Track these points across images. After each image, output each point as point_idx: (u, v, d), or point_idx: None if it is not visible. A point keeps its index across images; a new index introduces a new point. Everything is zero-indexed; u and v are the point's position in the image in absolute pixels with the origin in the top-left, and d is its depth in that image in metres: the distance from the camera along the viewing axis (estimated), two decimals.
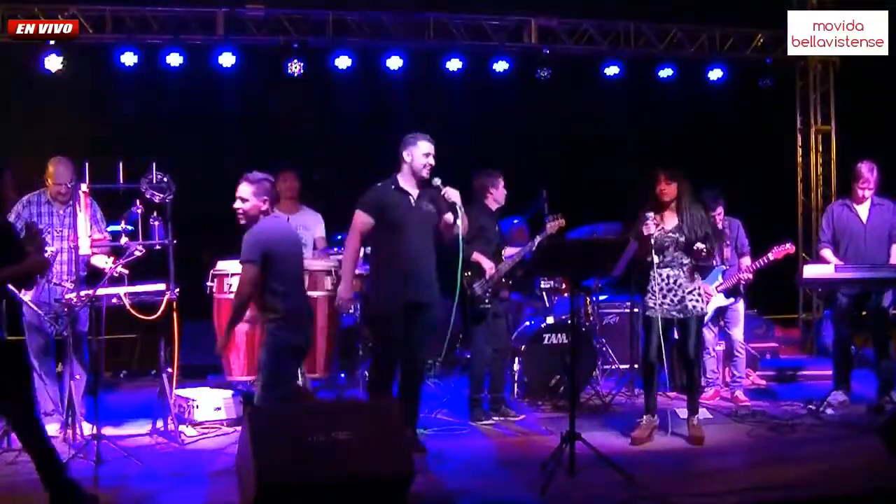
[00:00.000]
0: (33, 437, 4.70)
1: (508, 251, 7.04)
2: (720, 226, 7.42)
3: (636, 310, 7.25)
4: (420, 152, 5.86)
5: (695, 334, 6.18)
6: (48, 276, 6.04)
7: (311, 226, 7.34)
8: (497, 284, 6.86)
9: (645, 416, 6.21)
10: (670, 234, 6.12)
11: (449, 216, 5.85)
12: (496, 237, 7.02)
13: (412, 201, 5.90)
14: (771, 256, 7.30)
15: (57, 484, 4.68)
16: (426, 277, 5.90)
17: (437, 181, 5.84)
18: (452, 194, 5.76)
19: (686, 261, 6.15)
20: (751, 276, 7.38)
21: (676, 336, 6.30)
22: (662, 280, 6.10)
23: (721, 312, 7.52)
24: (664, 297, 6.08)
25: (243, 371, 6.59)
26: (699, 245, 6.06)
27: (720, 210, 7.42)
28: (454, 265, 6.49)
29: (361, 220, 5.88)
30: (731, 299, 7.44)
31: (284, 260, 5.29)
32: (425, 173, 5.86)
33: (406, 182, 5.93)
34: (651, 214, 6.01)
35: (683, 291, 6.10)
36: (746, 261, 7.47)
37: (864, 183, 7.08)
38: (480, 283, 6.79)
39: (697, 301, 6.15)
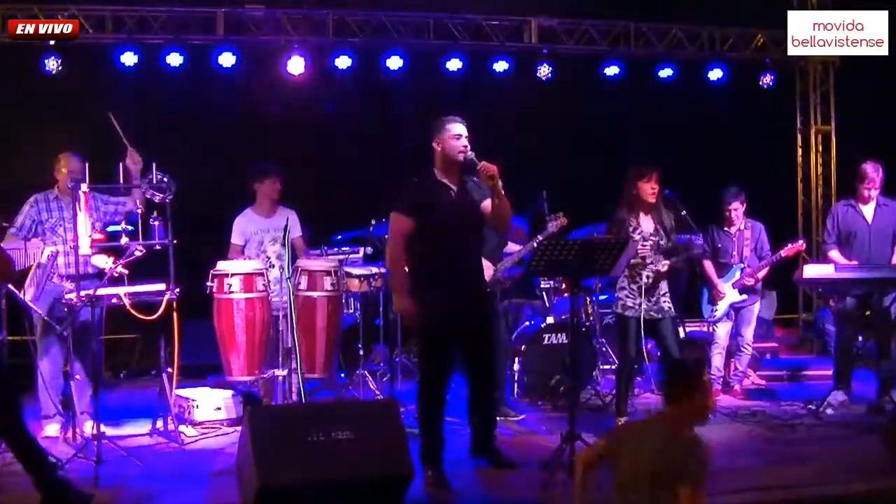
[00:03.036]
0: (20, 441, 4.71)
1: (509, 248, 7.00)
2: (743, 226, 7.50)
3: None
4: (449, 136, 5.27)
5: (672, 334, 6.27)
6: (50, 273, 6.03)
7: (289, 226, 7.28)
8: (495, 284, 6.84)
9: (621, 420, 6.19)
10: (651, 237, 6.15)
11: (488, 202, 5.28)
12: (495, 237, 6.97)
13: (453, 195, 5.31)
14: (782, 254, 7.38)
15: (48, 485, 4.68)
16: (474, 284, 5.41)
17: (470, 155, 5.21)
18: (486, 168, 5.13)
19: (657, 266, 6.17)
20: (753, 280, 7.42)
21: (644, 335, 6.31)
22: (641, 279, 6.12)
23: (737, 311, 7.57)
24: (641, 296, 6.14)
25: (243, 371, 6.59)
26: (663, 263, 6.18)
27: (735, 205, 7.46)
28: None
29: (400, 223, 5.25)
30: (745, 296, 7.48)
31: None
32: (461, 158, 5.23)
33: (443, 174, 5.32)
34: (646, 218, 6.07)
35: (658, 293, 6.17)
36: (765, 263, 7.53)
37: (870, 183, 7.07)
38: None
39: (668, 301, 6.27)
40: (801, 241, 7.50)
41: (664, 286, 6.23)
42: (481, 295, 5.56)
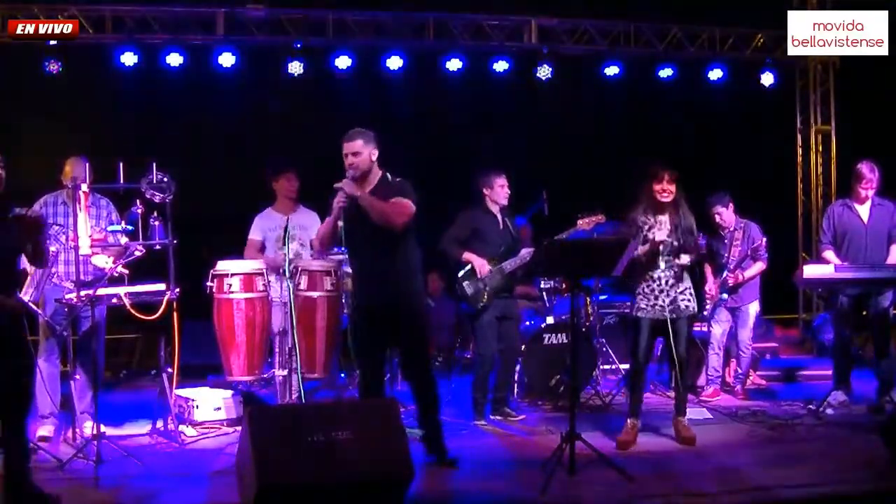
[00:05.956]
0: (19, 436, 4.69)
1: (524, 252, 6.96)
2: (734, 226, 7.56)
3: None
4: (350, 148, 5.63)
5: (685, 334, 6.14)
6: (48, 273, 6.03)
7: (308, 226, 7.30)
8: (496, 284, 6.82)
9: (629, 420, 6.15)
10: (666, 237, 6.08)
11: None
12: (503, 237, 6.95)
13: (350, 202, 5.52)
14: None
15: (19, 487, 4.65)
16: (377, 283, 5.54)
17: (349, 173, 5.55)
18: (340, 185, 5.50)
19: (677, 262, 6.12)
20: (734, 279, 7.45)
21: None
22: (654, 281, 6.07)
23: (733, 312, 7.60)
24: (657, 298, 6.05)
25: (243, 371, 6.59)
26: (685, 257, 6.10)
27: (719, 209, 7.55)
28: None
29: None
30: (725, 295, 7.50)
31: None
32: (348, 175, 5.54)
33: (359, 181, 5.63)
34: (663, 219, 6.01)
35: (675, 291, 6.06)
36: (759, 265, 7.54)
37: (867, 183, 7.07)
38: (471, 282, 6.78)
39: (689, 301, 6.12)
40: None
41: (683, 285, 6.10)
42: (384, 294, 5.55)
